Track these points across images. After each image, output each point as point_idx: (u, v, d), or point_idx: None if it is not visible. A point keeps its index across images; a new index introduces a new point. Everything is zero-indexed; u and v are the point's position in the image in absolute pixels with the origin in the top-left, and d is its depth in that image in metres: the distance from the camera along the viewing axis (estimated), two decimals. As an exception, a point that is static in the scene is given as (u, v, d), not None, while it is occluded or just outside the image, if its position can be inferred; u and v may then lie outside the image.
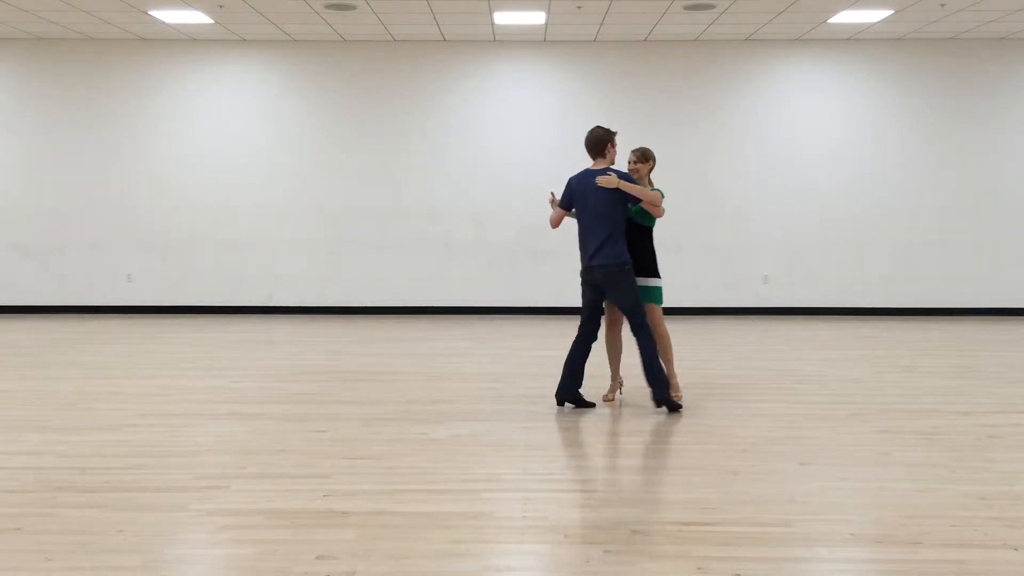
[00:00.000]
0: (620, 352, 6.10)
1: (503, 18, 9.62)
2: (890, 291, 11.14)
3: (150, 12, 9.37)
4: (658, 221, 5.98)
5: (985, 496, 4.09)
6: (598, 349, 5.95)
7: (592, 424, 5.47)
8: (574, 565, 3.32)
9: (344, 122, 11.05)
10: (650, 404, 5.89)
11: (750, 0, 8.87)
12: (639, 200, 5.61)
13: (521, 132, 11.01)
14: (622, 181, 5.59)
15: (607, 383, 6.16)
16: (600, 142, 5.76)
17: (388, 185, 11.09)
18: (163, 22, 9.84)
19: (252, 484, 4.27)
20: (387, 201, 11.10)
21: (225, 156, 11.06)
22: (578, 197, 5.72)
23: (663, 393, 5.71)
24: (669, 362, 5.97)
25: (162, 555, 3.42)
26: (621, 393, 6.22)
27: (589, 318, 5.83)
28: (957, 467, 4.56)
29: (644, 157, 5.94)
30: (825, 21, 9.81)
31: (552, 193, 5.98)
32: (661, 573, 3.25)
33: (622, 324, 6.02)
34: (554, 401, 5.96)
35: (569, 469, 4.53)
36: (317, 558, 3.35)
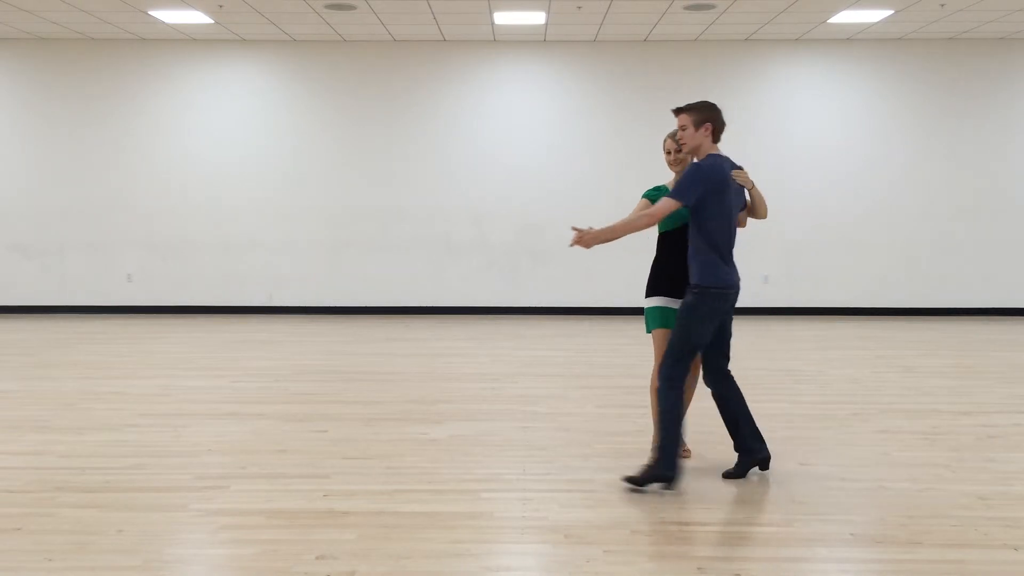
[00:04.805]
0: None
1: (503, 18, 9.61)
2: (890, 291, 11.13)
3: (150, 12, 9.37)
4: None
5: (985, 496, 4.09)
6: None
7: (592, 424, 5.47)
8: (574, 565, 3.32)
9: (344, 122, 11.05)
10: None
11: (750, 0, 8.87)
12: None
13: (521, 132, 11.00)
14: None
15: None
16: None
17: (388, 185, 11.09)
18: (163, 22, 9.83)
19: (252, 484, 4.27)
20: (387, 201, 11.10)
21: (225, 156, 11.06)
22: (724, 190, 4.19)
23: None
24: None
25: (162, 555, 3.42)
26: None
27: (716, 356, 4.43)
28: (957, 467, 4.56)
29: None
30: (825, 21, 9.81)
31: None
32: (661, 573, 3.24)
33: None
34: (554, 401, 5.94)
35: (569, 469, 4.52)
36: (317, 558, 3.35)
